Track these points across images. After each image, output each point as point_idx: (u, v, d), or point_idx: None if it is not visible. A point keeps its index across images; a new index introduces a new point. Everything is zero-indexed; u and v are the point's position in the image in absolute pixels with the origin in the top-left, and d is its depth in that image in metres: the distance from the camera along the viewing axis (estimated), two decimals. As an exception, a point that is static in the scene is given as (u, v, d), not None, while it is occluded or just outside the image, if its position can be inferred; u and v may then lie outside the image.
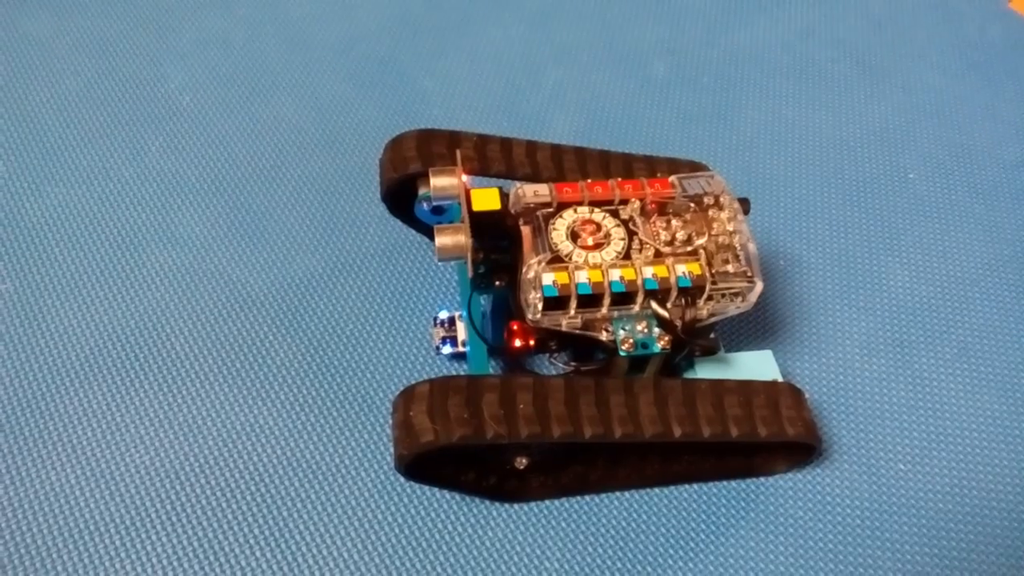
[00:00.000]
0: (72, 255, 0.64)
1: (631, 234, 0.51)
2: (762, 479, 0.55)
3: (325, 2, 0.83)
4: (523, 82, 0.77)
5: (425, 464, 0.48)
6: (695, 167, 0.61)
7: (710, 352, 0.53)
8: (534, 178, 0.56)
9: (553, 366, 0.54)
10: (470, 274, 0.50)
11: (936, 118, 0.76)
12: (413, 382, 0.47)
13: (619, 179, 0.53)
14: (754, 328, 0.62)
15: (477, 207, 0.50)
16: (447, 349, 0.57)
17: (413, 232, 0.64)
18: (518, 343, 0.52)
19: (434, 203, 0.52)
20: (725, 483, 0.55)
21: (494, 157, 0.57)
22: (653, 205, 0.52)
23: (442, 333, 0.57)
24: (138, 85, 0.75)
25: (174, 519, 0.52)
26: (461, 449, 0.46)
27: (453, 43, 0.80)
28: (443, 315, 0.58)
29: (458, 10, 0.83)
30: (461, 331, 0.57)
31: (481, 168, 0.56)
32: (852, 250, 0.67)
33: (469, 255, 0.49)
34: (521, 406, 0.46)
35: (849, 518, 0.54)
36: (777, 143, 0.74)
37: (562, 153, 0.59)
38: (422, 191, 0.54)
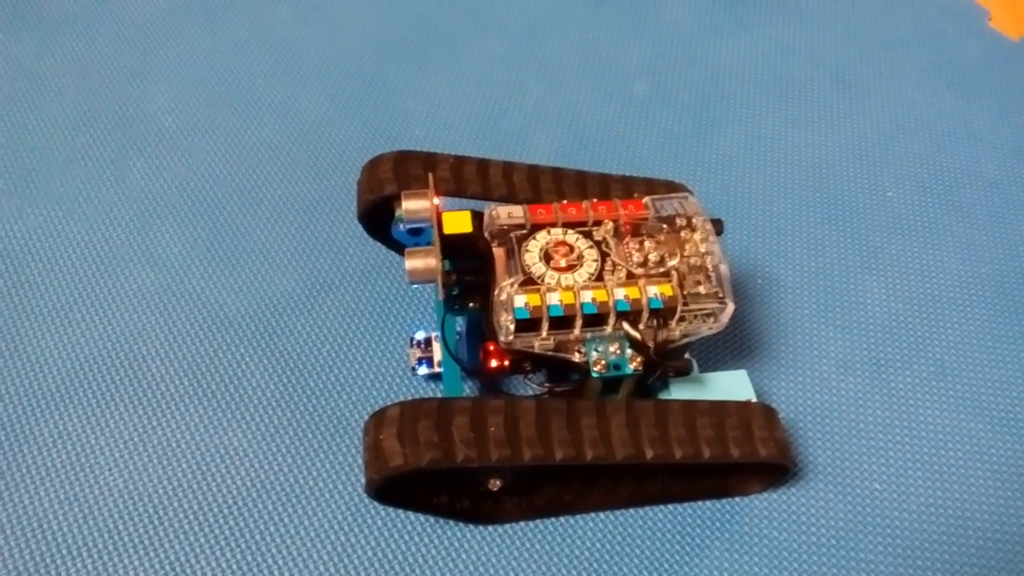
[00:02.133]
0: (51, 277, 0.64)
1: (604, 255, 0.51)
2: (737, 499, 0.55)
3: (309, 22, 0.84)
4: (505, 101, 0.78)
5: (397, 487, 0.48)
6: (672, 187, 0.62)
7: (683, 373, 0.53)
8: (510, 199, 0.57)
9: (527, 387, 0.54)
10: (441, 296, 0.50)
11: (915, 136, 0.77)
12: (387, 404, 0.48)
13: (593, 200, 0.53)
14: (731, 347, 0.62)
15: (448, 230, 0.50)
16: (423, 370, 0.57)
17: (392, 252, 0.64)
18: (494, 364, 0.52)
19: (406, 226, 0.52)
20: (700, 504, 0.55)
21: (470, 178, 0.57)
22: (627, 226, 0.52)
23: (418, 354, 0.57)
24: (121, 106, 0.76)
25: (147, 543, 0.52)
26: (433, 472, 0.46)
27: (436, 62, 0.81)
28: (420, 335, 0.58)
29: (441, 30, 0.83)
30: (437, 352, 0.57)
31: (457, 190, 0.57)
32: (829, 268, 0.67)
33: (440, 278, 0.49)
34: (492, 429, 0.46)
35: (824, 538, 0.54)
36: (756, 161, 0.74)
37: (539, 174, 0.59)
38: (399, 212, 0.55)
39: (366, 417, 0.47)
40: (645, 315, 0.49)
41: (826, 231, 0.69)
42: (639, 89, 0.79)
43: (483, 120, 0.76)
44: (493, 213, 0.52)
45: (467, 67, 0.80)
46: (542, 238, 0.51)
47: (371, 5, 0.85)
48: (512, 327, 0.48)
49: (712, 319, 0.50)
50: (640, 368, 0.50)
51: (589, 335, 0.50)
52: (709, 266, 0.51)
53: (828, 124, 0.77)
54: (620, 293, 0.49)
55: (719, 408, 0.50)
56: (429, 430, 0.45)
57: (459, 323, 0.56)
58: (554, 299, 0.48)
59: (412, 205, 0.51)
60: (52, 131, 0.73)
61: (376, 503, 0.53)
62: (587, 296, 0.49)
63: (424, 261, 0.49)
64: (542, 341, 0.49)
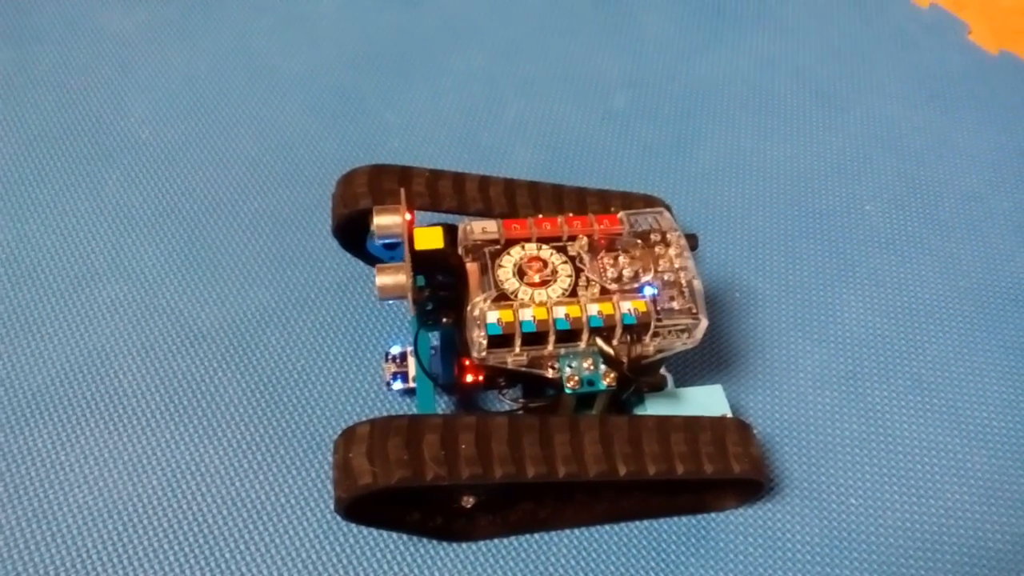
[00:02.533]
0: (24, 290, 0.63)
1: (578, 271, 0.51)
2: (712, 515, 0.55)
3: (289, 34, 0.83)
4: (484, 114, 0.78)
5: (367, 506, 0.47)
6: (649, 201, 0.62)
7: (657, 388, 0.52)
8: (486, 213, 0.57)
9: (502, 402, 0.54)
10: (412, 312, 0.49)
11: (894, 149, 0.77)
12: (361, 419, 0.47)
13: (568, 215, 0.53)
14: (708, 361, 0.62)
15: (419, 246, 0.50)
16: (398, 385, 0.57)
17: (367, 266, 0.64)
18: (468, 379, 0.52)
19: (380, 241, 0.52)
20: (675, 520, 0.54)
21: (446, 193, 0.57)
22: (601, 241, 0.52)
23: (393, 368, 0.57)
24: (98, 118, 0.75)
25: (116, 560, 0.51)
26: (403, 490, 0.45)
27: (415, 75, 0.80)
28: (395, 350, 0.58)
29: (421, 43, 0.83)
30: (412, 367, 0.57)
31: (432, 204, 0.56)
32: (807, 281, 0.67)
33: (410, 295, 0.48)
34: (463, 446, 0.46)
35: (800, 554, 0.53)
36: (735, 174, 0.74)
37: (515, 188, 0.59)
38: (373, 227, 0.54)
39: (339, 433, 0.47)
40: (619, 331, 0.49)
41: (804, 244, 0.69)
42: (619, 102, 0.80)
43: (462, 133, 0.76)
44: (467, 228, 0.52)
45: (447, 80, 0.80)
46: (516, 253, 0.51)
47: (350, 18, 0.85)
48: (485, 343, 0.48)
49: (686, 335, 0.50)
50: (614, 384, 0.49)
51: (563, 351, 0.49)
52: (683, 281, 0.51)
53: (807, 137, 0.78)
54: (593, 309, 0.49)
55: (693, 424, 0.50)
56: (399, 448, 0.45)
57: (433, 338, 0.56)
58: (527, 315, 0.48)
59: (384, 221, 0.51)
60: (28, 143, 0.73)
61: (348, 522, 0.52)
62: (560, 312, 0.48)
63: (394, 277, 0.48)
64: (515, 357, 0.49)
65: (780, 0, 0.90)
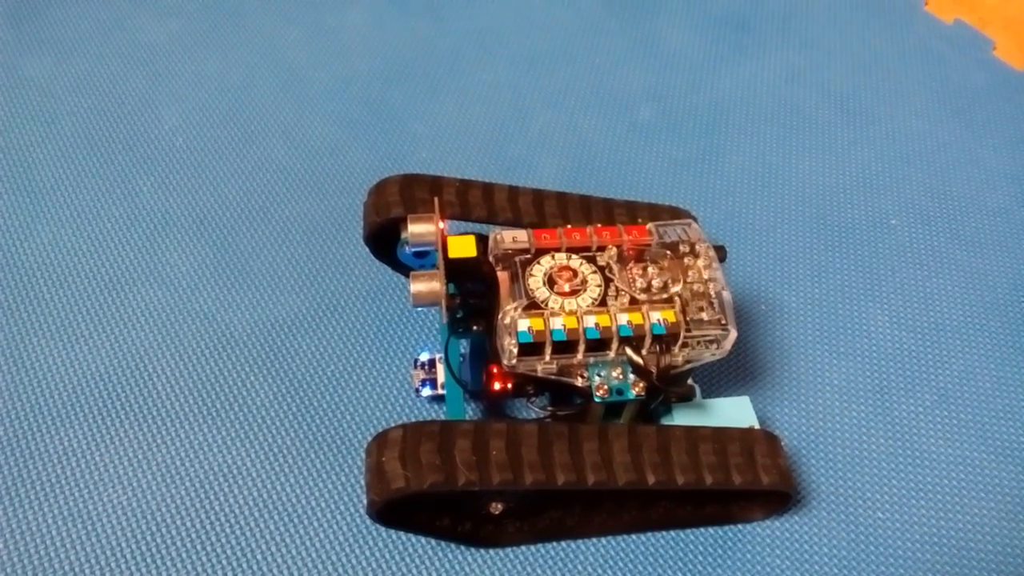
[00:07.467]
0: (60, 295, 0.65)
1: (608, 281, 0.51)
2: (739, 527, 0.55)
3: (319, 46, 0.85)
4: (511, 126, 0.79)
5: (399, 510, 0.48)
6: (676, 213, 0.62)
7: (685, 399, 0.53)
8: (515, 223, 0.57)
9: (530, 410, 0.55)
10: (444, 320, 0.50)
11: (919, 164, 0.77)
12: (392, 425, 0.48)
13: (597, 226, 0.54)
14: (734, 373, 0.62)
15: (453, 254, 0.50)
16: (427, 391, 0.57)
17: (397, 274, 0.65)
18: (497, 386, 0.52)
19: (411, 249, 0.53)
20: (702, 530, 0.54)
21: (476, 202, 0.58)
22: (630, 252, 0.53)
23: (422, 375, 0.58)
24: (133, 126, 0.77)
25: (149, 560, 0.52)
26: (435, 495, 0.46)
27: (443, 87, 0.82)
28: (424, 357, 0.58)
29: (449, 54, 0.84)
30: (441, 373, 0.57)
31: (463, 213, 0.57)
32: (833, 295, 0.67)
33: (443, 302, 0.49)
34: (494, 452, 0.46)
35: (826, 567, 0.53)
36: (760, 188, 0.75)
37: (543, 198, 0.59)
38: (404, 235, 0.55)
39: (369, 438, 0.48)
40: (648, 340, 0.49)
41: (830, 258, 0.70)
42: (644, 115, 0.80)
43: (489, 144, 0.77)
44: (498, 237, 0.52)
45: (474, 92, 0.81)
46: (546, 263, 0.52)
47: (379, 29, 0.86)
48: (515, 351, 0.48)
49: (715, 345, 0.50)
50: (643, 393, 0.50)
51: (592, 360, 0.50)
52: (712, 292, 0.51)
53: (832, 152, 0.78)
54: (623, 318, 0.49)
55: (722, 434, 0.50)
56: (431, 453, 0.45)
57: (463, 346, 0.56)
58: (557, 323, 0.49)
59: (417, 229, 0.52)
60: (64, 150, 0.74)
61: (378, 525, 0.53)
62: (590, 321, 0.49)
63: (428, 285, 0.49)
64: (545, 365, 0.50)
65: (805, 14, 0.91)
